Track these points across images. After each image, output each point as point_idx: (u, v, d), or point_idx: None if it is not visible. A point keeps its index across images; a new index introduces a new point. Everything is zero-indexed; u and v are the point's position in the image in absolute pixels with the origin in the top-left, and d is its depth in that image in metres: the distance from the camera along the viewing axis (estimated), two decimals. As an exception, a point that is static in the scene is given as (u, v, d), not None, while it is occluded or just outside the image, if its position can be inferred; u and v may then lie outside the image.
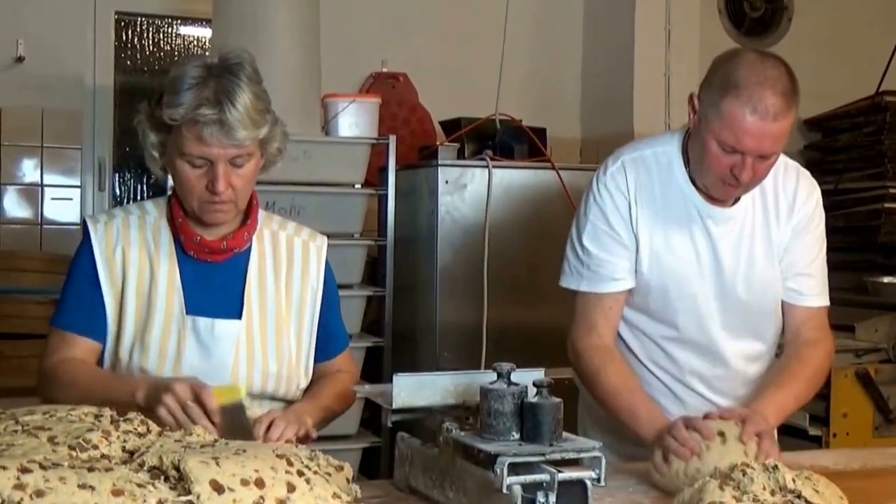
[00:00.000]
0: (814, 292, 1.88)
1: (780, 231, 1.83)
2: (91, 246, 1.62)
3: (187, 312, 1.61)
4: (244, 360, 1.64)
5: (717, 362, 1.86)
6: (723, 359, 1.86)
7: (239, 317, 1.64)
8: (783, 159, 1.81)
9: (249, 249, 1.68)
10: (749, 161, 1.65)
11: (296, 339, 1.70)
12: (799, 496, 1.33)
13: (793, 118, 1.67)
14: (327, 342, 1.76)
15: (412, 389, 1.45)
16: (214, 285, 1.64)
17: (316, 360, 1.73)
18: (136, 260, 1.61)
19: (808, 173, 1.89)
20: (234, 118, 1.50)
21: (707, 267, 1.81)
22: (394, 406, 1.45)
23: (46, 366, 1.61)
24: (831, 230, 1.94)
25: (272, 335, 1.67)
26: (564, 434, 1.33)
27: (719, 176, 1.70)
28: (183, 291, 1.62)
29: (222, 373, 1.61)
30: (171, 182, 1.67)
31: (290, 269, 1.71)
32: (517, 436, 1.32)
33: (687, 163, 1.79)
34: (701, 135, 1.69)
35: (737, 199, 1.80)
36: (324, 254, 1.75)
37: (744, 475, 1.35)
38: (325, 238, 1.78)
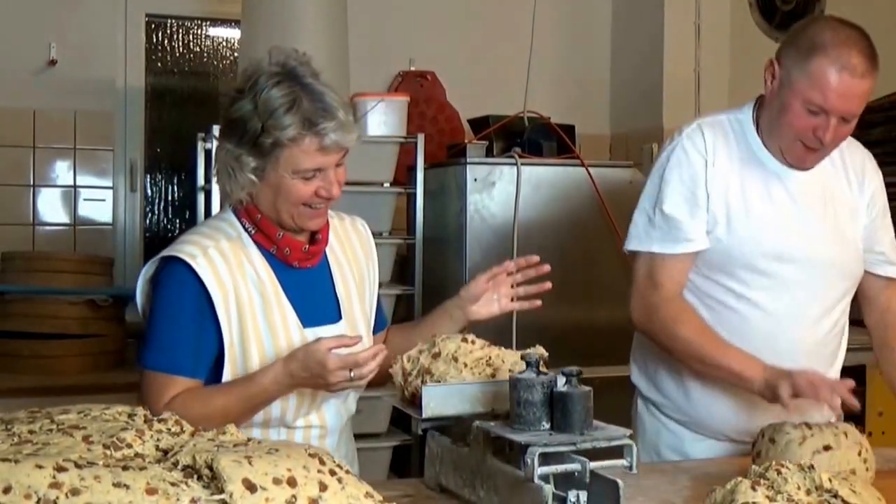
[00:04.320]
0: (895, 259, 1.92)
1: (858, 198, 1.87)
2: (196, 283, 1.54)
3: (304, 326, 1.61)
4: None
5: (784, 323, 1.83)
6: (793, 320, 1.83)
7: (339, 318, 1.65)
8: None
9: (325, 252, 1.69)
10: (833, 122, 1.69)
11: (368, 318, 1.74)
12: (835, 496, 1.31)
13: (874, 80, 1.70)
14: (380, 317, 1.80)
15: (441, 399, 1.46)
16: (312, 293, 1.64)
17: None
18: (243, 285, 1.57)
19: (870, 154, 1.96)
20: (348, 121, 1.53)
21: (794, 228, 1.81)
22: (423, 416, 1.46)
23: (159, 412, 1.49)
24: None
25: (361, 324, 1.70)
26: (595, 423, 1.32)
27: (799, 137, 1.72)
28: (291, 305, 1.61)
29: None
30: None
31: (354, 253, 1.73)
32: (547, 426, 1.31)
33: (757, 131, 1.82)
34: (782, 97, 1.72)
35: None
36: (366, 227, 1.79)
37: (778, 474, 1.33)
38: (358, 217, 1.81)
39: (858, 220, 1.87)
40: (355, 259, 1.72)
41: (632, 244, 1.86)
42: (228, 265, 1.56)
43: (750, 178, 1.80)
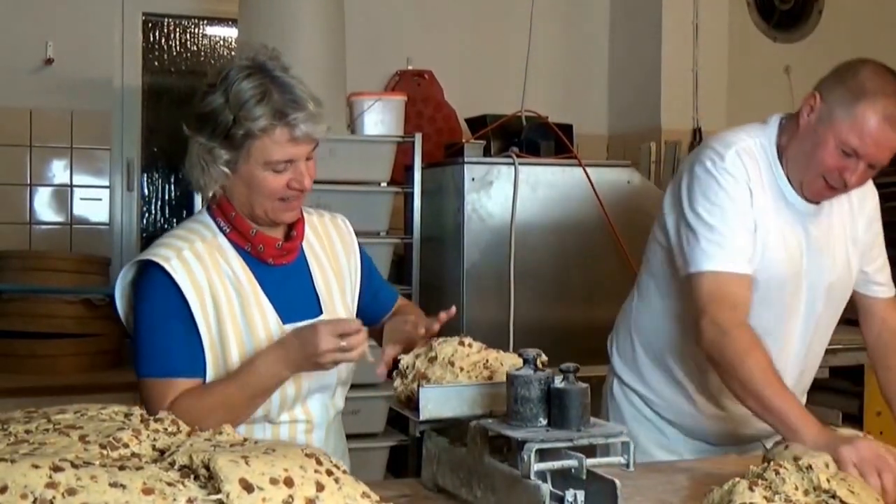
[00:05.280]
0: (890, 282, 1.95)
1: (858, 223, 1.90)
2: (173, 286, 1.53)
3: (283, 321, 1.60)
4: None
5: (779, 347, 1.83)
6: (784, 354, 1.84)
7: (319, 312, 1.65)
8: None
9: (302, 248, 1.69)
10: (862, 166, 1.72)
11: (350, 312, 1.74)
12: (833, 496, 1.31)
13: None
14: (380, 299, 1.80)
15: (439, 401, 1.45)
16: (290, 290, 1.64)
17: (377, 318, 1.77)
18: (220, 285, 1.57)
19: None
20: (318, 112, 1.55)
21: (803, 260, 1.83)
22: (420, 418, 1.45)
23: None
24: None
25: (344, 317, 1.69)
26: (592, 419, 1.32)
27: (824, 174, 1.75)
28: (270, 302, 1.61)
29: (330, 371, 1.61)
30: (197, 195, 1.65)
31: (333, 248, 1.73)
32: (544, 422, 1.31)
33: (780, 159, 1.82)
34: (818, 132, 1.74)
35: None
36: (348, 223, 1.79)
37: (776, 475, 1.33)
38: (339, 214, 1.82)
39: (856, 248, 1.91)
40: (334, 254, 1.73)
41: (698, 265, 1.77)
42: (204, 266, 1.57)
43: (775, 212, 1.82)
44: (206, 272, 1.56)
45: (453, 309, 1.64)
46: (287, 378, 1.55)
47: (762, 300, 1.79)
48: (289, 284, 1.64)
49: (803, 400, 1.98)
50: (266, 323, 1.58)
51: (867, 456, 1.49)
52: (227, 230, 1.61)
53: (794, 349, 1.88)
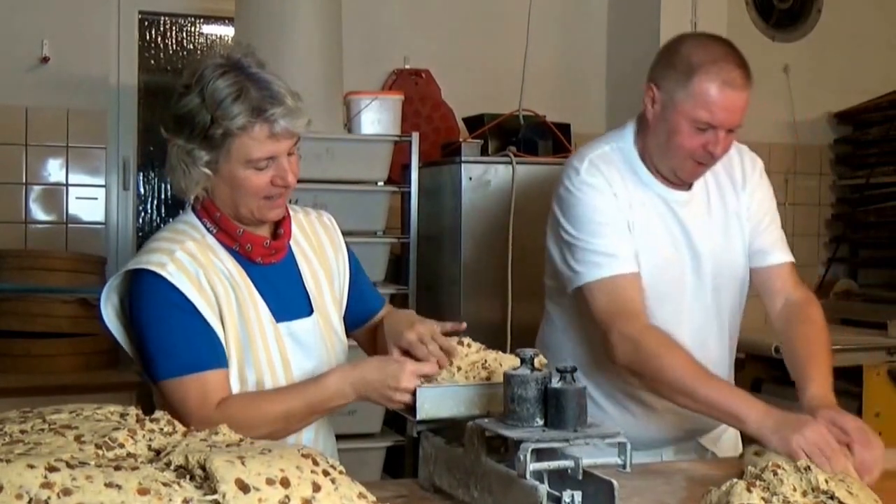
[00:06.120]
0: (782, 247, 1.91)
1: (739, 202, 1.89)
2: (174, 289, 1.51)
3: (276, 320, 1.60)
4: (331, 350, 1.65)
5: (691, 342, 1.81)
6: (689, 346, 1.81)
7: (310, 311, 1.65)
8: None
9: (290, 248, 1.68)
10: (721, 135, 1.73)
11: (340, 310, 1.73)
12: (832, 497, 1.31)
13: (751, 87, 1.75)
14: (366, 300, 1.78)
15: (436, 400, 1.45)
16: (280, 289, 1.63)
17: (363, 320, 1.76)
18: (218, 281, 1.56)
19: (746, 147, 1.96)
20: (296, 107, 1.53)
21: (683, 250, 1.84)
22: (418, 418, 1.45)
23: (211, 418, 1.43)
24: (862, 225, 1.94)
25: (335, 317, 1.69)
26: (589, 420, 1.32)
27: (690, 155, 1.76)
28: (262, 300, 1.60)
29: (324, 366, 1.61)
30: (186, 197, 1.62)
31: (321, 246, 1.72)
32: (541, 422, 1.31)
33: (641, 155, 1.84)
34: (668, 119, 1.75)
35: (689, 185, 1.85)
36: (333, 220, 1.78)
37: (774, 475, 1.33)
38: (325, 211, 1.81)
39: (740, 227, 1.89)
40: (322, 252, 1.72)
41: (578, 279, 1.79)
42: (199, 264, 1.55)
43: (644, 210, 1.82)
44: (203, 269, 1.55)
45: (464, 325, 1.61)
46: (352, 400, 1.53)
47: (653, 298, 1.79)
48: (279, 283, 1.63)
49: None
50: (260, 320, 1.57)
51: (817, 443, 1.49)
52: (214, 230, 1.60)
53: (698, 339, 1.83)
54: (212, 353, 1.52)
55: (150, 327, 1.52)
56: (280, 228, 1.65)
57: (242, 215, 1.59)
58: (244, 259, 1.60)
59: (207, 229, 1.60)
